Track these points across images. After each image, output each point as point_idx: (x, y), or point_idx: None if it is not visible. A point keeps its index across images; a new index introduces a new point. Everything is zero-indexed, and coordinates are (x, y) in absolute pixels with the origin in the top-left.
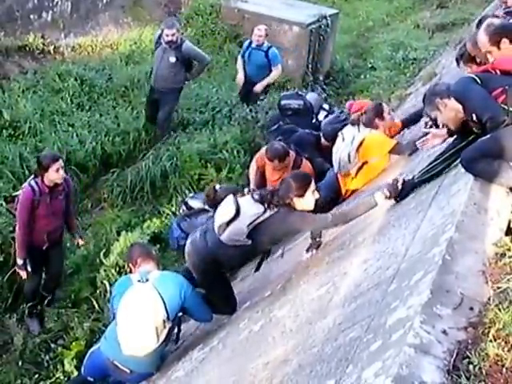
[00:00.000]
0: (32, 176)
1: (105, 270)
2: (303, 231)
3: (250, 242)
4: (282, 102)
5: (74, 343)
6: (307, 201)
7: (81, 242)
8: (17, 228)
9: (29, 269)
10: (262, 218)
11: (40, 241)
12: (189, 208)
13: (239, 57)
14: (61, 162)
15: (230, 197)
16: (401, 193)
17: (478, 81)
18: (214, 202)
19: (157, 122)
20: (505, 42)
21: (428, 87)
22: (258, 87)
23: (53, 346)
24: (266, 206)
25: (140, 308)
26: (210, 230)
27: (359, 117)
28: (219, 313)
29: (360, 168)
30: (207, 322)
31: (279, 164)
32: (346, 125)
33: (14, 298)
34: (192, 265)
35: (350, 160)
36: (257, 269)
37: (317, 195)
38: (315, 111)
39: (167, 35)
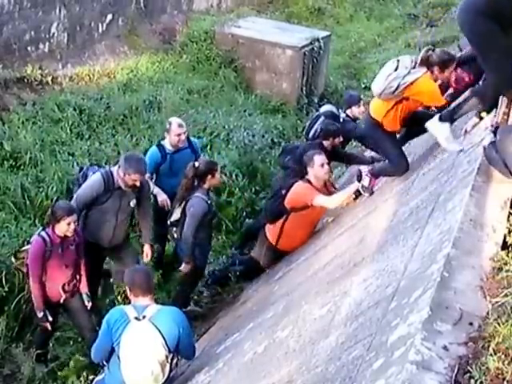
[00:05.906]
0: (41, 228)
1: None
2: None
3: None
4: (318, 128)
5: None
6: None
7: (89, 306)
8: (30, 281)
9: (50, 319)
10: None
11: (55, 294)
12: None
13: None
14: (74, 217)
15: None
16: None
17: None
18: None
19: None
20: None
21: None
22: None
23: (60, 373)
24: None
25: (141, 348)
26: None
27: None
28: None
29: (395, 105)
30: (189, 359)
31: None
32: None
33: (20, 327)
34: None
35: (396, 90)
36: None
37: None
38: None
39: (134, 180)
